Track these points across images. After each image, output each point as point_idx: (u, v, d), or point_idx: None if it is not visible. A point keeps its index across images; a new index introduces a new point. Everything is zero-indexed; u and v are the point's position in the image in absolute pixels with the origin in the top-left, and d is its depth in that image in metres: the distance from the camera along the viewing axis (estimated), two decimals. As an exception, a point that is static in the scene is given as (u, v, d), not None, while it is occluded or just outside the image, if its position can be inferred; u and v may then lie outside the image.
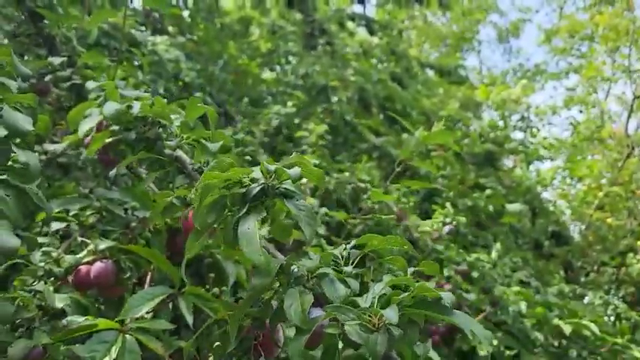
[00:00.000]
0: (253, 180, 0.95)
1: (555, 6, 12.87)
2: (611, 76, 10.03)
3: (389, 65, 8.32)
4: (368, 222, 3.45)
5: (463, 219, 3.18)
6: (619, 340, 3.33)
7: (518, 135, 10.32)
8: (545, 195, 9.35)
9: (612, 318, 4.51)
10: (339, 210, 3.65)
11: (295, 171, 0.97)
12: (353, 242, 1.03)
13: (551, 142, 10.82)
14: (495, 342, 3.48)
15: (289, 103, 4.06)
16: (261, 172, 0.96)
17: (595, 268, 5.75)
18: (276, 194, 0.95)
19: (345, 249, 1.01)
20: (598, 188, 7.11)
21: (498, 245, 3.37)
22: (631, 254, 5.53)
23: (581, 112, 10.57)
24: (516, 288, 3.62)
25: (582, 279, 5.97)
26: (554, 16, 12.89)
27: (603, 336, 3.37)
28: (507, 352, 3.52)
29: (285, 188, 0.95)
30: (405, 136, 5.86)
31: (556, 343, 3.39)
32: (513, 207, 4.71)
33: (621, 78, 9.83)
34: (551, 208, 6.23)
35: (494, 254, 3.29)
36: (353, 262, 0.98)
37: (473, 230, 5.02)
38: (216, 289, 1.42)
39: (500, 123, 9.55)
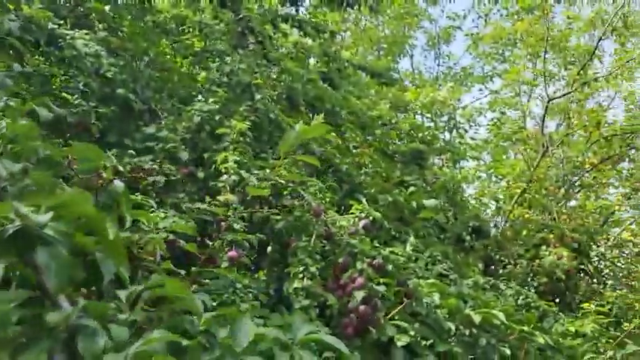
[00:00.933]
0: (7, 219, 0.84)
1: (482, 13, 13.41)
2: (531, 79, 10.57)
3: (321, 66, 8.41)
4: (288, 218, 3.51)
5: (378, 214, 3.27)
6: (525, 328, 3.52)
7: (447, 135, 10.76)
8: (471, 192, 9.78)
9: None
10: (262, 206, 3.69)
11: (44, 217, 0.86)
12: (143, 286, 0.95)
13: (477, 142, 11.32)
14: (412, 333, 3.62)
15: (210, 100, 4.04)
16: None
17: (512, 260, 6.06)
18: (33, 238, 0.83)
19: (132, 292, 0.94)
20: (517, 186, 7.50)
21: (412, 239, 3.50)
22: (544, 247, 5.88)
23: (503, 113, 11.08)
24: (431, 280, 3.77)
25: (501, 271, 6.28)
26: (480, 23, 13.42)
27: (511, 324, 3.56)
28: (424, 342, 3.65)
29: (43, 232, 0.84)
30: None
31: (467, 332, 3.55)
32: (430, 202, 4.89)
33: (541, 81, 10.38)
34: (475, 205, 6.50)
35: (408, 248, 3.41)
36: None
37: (395, 225, 5.18)
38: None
39: (431, 124, 9.92)
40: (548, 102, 7.38)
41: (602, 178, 6.94)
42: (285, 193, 3.49)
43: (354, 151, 5.10)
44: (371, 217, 3.33)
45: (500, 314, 3.52)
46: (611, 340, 3.19)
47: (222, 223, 3.05)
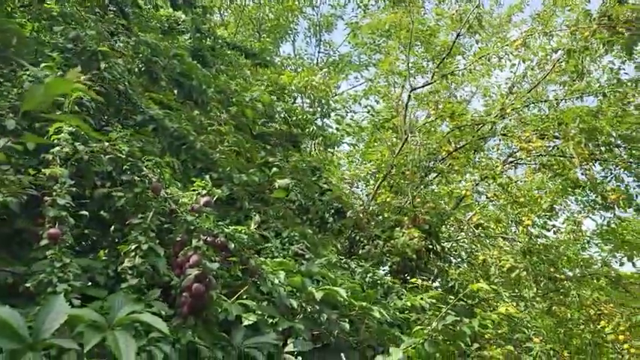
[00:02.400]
0: None
1: (361, 4, 13.75)
2: (403, 70, 11.05)
3: (193, 42, 8.13)
4: (128, 195, 3.32)
5: (219, 191, 3.21)
6: (364, 304, 3.68)
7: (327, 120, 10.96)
8: (343, 176, 10.07)
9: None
10: (104, 182, 3.46)
11: None
12: None
13: (353, 128, 11.68)
14: (259, 311, 3.62)
15: (42, 65, 3.70)
16: None
17: (370, 241, 6.33)
18: None
19: None
20: (382, 170, 7.86)
21: (257, 217, 3.48)
22: (398, 228, 6.21)
23: (377, 102, 11.52)
24: (279, 259, 3.80)
25: (360, 251, 6.54)
26: (360, 13, 13.77)
27: (351, 300, 3.70)
28: (270, 320, 3.68)
29: None
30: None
31: (310, 309, 3.63)
32: (282, 182, 4.93)
33: (412, 72, 10.88)
34: (338, 186, 6.67)
35: (253, 226, 3.39)
36: None
37: (255, 205, 5.17)
38: None
39: (310, 109, 10.03)
40: (411, 92, 7.78)
41: (455, 165, 7.46)
42: (125, 168, 3.31)
43: (208, 128, 4.96)
44: (212, 195, 3.25)
45: (342, 291, 3.64)
46: (437, 313, 3.43)
47: (46, 199, 2.81)
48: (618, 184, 7.04)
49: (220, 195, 3.28)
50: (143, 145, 4.05)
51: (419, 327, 3.41)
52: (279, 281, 3.60)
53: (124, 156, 3.27)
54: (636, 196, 7.08)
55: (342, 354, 3.61)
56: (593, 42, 6.64)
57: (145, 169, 3.19)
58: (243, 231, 3.27)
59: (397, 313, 3.89)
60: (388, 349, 3.47)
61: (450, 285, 5.73)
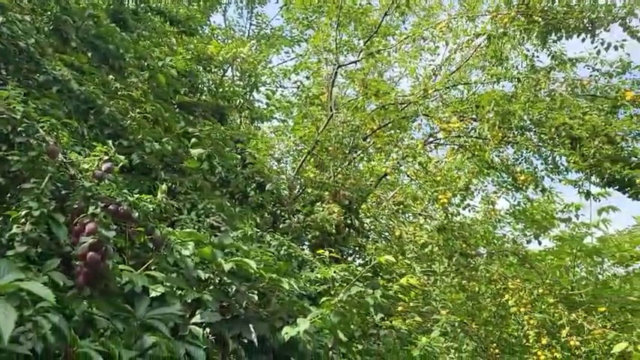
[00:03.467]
0: None
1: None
2: (333, 47, 11.02)
3: (113, 4, 7.71)
4: (22, 158, 3.12)
5: (122, 157, 3.08)
6: (274, 276, 3.68)
7: (255, 95, 10.80)
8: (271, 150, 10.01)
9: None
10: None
11: None
12: None
13: (282, 104, 11.59)
14: (168, 283, 3.54)
15: None
16: None
17: (291, 215, 6.34)
18: None
19: None
20: (308, 145, 7.86)
21: (164, 187, 3.37)
22: (318, 203, 6.26)
23: (308, 78, 11.46)
24: (189, 230, 3.72)
25: (282, 225, 6.55)
26: (292, -13, 13.55)
27: (261, 272, 3.69)
28: (179, 292, 3.61)
29: None
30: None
31: (218, 280, 3.59)
32: (195, 151, 4.82)
33: (342, 50, 10.87)
34: (260, 159, 6.61)
35: (159, 195, 3.28)
36: None
37: (172, 176, 5.03)
38: None
39: (240, 82, 9.83)
40: (337, 68, 7.79)
41: (378, 143, 7.59)
42: (20, 130, 3.09)
43: (118, 93, 4.74)
44: (120, 162, 3.12)
45: (252, 263, 3.61)
46: (345, 284, 3.49)
47: None
48: (528, 166, 7.44)
49: (124, 162, 3.14)
50: (48, 107, 3.82)
51: (326, 298, 3.46)
52: (188, 252, 3.53)
53: (18, 117, 3.05)
54: (543, 178, 7.52)
55: (250, 325, 3.60)
56: (512, 29, 6.90)
57: (41, 131, 3.00)
58: (149, 200, 3.16)
59: (308, 285, 3.93)
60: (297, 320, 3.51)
61: (366, 260, 5.86)
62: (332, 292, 3.75)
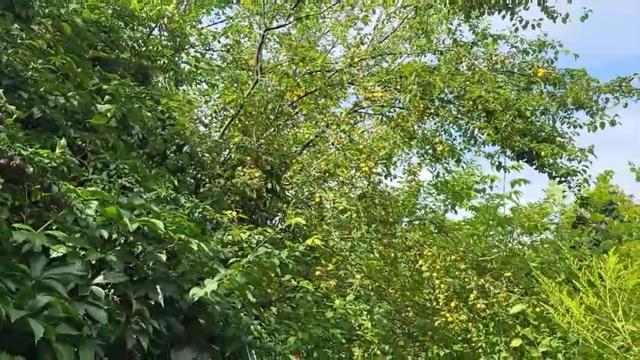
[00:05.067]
0: None
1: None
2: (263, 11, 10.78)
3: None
4: None
5: (12, 107, 2.89)
6: (182, 236, 3.63)
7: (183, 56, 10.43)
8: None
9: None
10: None
11: None
12: None
13: (211, 67, 11.27)
14: (70, 243, 3.41)
15: None
16: None
17: (212, 179, 6.26)
18: None
19: None
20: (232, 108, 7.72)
21: (63, 141, 3.21)
22: (240, 167, 6.20)
23: (238, 41, 11.18)
24: (92, 188, 3.58)
25: (202, 189, 6.46)
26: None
27: (169, 233, 3.63)
28: (82, 252, 3.49)
29: None
30: None
31: (124, 240, 3.50)
32: (103, 107, 4.62)
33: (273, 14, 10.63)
34: (180, 121, 6.43)
35: (58, 151, 3.12)
36: None
37: (82, 134, 4.80)
38: None
39: (168, 43, 9.43)
40: (265, 31, 7.64)
41: (304, 110, 7.58)
42: None
43: (18, 41, 4.42)
44: (14, 114, 2.93)
45: (160, 223, 3.54)
46: (254, 246, 3.51)
47: None
48: (447, 137, 7.69)
49: (20, 114, 2.95)
50: None
51: (235, 259, 3.46)
52: (91, 211, 3.40)
53: None
54: (462, 150, 7.82)
55: (157, 286, 3.55)
56: (438, 1, 7.01)
57: None
58: (45, 155, 3.00)
59: (219, 247, 3.91)
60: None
61: (286, 225, 5.88)
62: (240, 255, 3.75)
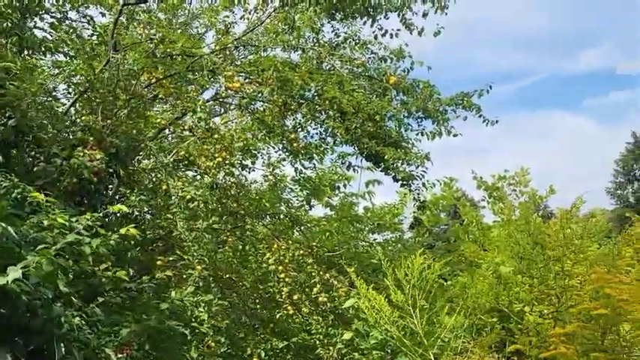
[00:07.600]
0: None
1: None
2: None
3: None
4: None
5: None
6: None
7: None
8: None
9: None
10: None
11: None
12: None
13: (70, 37, 10.36)
14: None
15: None
16: None
17: (47, 159, 5.76)
18: None
19: None
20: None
21: None
22: (80, 148, 5.78)
23: (103, 15, 10.40)
24: None
25: (36, 169, 5.93)
26: None
27: None
28: None
29: None
30: None
31: None
32: None
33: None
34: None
35: None
36: None
37: None
38: None
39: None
40: (123, 6, 7.18)
41: (161, 93, 7.28)
42: None
43: None
44: None
45: None
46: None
47: None
48: (305, 134, 7.85)
49: None
50: None
51: (43, 246, 3.20)
52: None
53: None
54: (316, 147, 8.02)
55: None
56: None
57: None
58: None
59: (31, 231, 3.60)
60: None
61: (112, 212, 5.58)
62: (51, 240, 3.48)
